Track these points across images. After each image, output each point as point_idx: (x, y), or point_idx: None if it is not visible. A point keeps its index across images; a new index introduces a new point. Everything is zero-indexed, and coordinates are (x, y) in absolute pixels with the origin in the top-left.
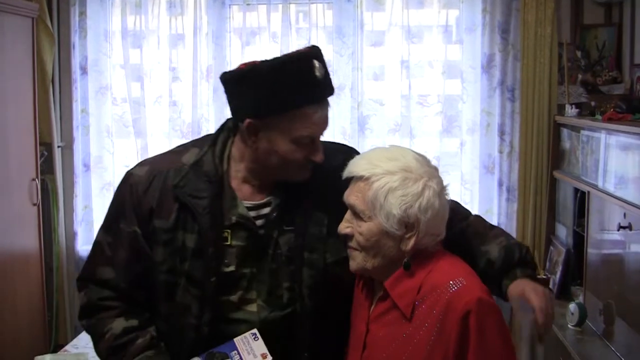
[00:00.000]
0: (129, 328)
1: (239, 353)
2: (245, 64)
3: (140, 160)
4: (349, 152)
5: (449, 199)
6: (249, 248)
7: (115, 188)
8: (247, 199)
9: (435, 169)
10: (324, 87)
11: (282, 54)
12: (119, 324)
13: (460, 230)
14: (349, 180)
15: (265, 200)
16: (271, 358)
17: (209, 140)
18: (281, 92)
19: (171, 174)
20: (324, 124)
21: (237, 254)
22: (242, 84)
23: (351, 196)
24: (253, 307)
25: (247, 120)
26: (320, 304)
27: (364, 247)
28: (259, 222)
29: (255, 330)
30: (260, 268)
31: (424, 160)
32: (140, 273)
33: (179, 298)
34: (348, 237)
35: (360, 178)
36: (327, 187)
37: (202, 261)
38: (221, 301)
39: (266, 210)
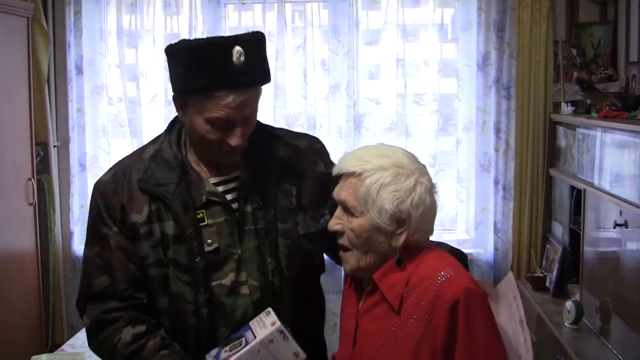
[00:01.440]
0: (138, 334)
1: (252, 331)
2: (181, 40)
3: None
4: (312, 139)
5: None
6: (228, 226)
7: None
8: (213, 175)
9: (424, 166)
10: (242, 74)
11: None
12: (127, 333)
13: None
14: (338, 177)
15: (232, 175)
16: (279, 323)
17: (163, 133)
18: (195, 73)
19: (134, 171)
20: (241, 108)
21: (217, 231)
22: (170, 58)
23: (342, 192)
24: (245, 290)
25: (173, 94)
26: (297, 275)
27: (354, 245)
28: (229, 197)
29: (269, 309)
30: (244, 248)
31: (413, 157)
32: (135, 274)
33: (172, 288)
34: (338, 234)
35: (352, 174)
36: (294, 162)
37: (184, 245)
38: (214, 286)
39: (234, 184)
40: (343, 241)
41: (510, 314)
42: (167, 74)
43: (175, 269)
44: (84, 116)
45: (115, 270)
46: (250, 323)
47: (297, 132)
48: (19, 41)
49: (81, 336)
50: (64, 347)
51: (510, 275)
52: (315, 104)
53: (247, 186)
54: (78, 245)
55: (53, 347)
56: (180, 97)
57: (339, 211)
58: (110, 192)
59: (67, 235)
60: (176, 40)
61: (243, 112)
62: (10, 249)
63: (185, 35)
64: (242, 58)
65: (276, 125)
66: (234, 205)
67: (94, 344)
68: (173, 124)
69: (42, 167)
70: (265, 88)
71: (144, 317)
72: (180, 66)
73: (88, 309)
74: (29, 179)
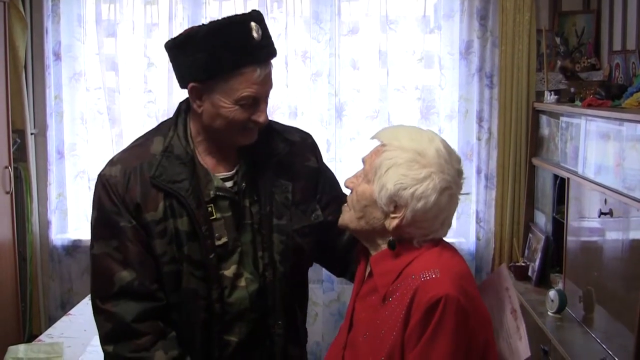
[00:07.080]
0: None
1: None
2: (185, 30)
3: (109, 159)
4: (304, 134)
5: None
6: (233, 219)
7: (93, 193)
8: (218, 172)
9: (455, 167)
10: (262, 48)
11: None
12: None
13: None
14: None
15: (235, 169)
16: None
17: (169, 125)
18: (219, 55)
19: (145, 167)
20: (265, 84)
21: (225, 225)
22: (181, 49)
23: (367, 155)
24: (242, 282)
25: (190, 85)
26: (289, 270)
27: (353, 206)
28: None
29: None
30: (243, 241)
31: (447, 154)
32: (155, 270)
33: (184, 284)
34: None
35: (380, 143)
36: (290, 157)
37: (198, 242)
38: (220, 276)
39: (236, 178)
40: (349, 198)
41: (498, 306)
42: (147, 61)
43: (190, 265)
44: (62, 103)
45: (138, 263)
46: None
47: (290, 126)
48: None
49: (59, 326)
50: (42, 337)
51: (503, 267)
52: (297, 92)
53: (245, 180)
54: (55, 235)
55: (30, 338)
56: (200, 85)
57: (359, 170)
58: (122, 189)
59: (45, 225)
60: (178, 34)
61: (266, 86)
62: None
63: (165, 24)
64: (260, 32)
65: None
66: (237, 198)
67: (113, 350)
68: (177, 116)
69: (19, 155)
70: None
71: (171, 334)
72: (201, 52)
73: (109, 310)
74: (6, 167)
